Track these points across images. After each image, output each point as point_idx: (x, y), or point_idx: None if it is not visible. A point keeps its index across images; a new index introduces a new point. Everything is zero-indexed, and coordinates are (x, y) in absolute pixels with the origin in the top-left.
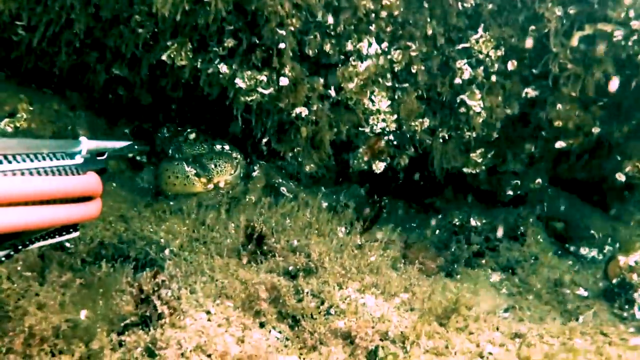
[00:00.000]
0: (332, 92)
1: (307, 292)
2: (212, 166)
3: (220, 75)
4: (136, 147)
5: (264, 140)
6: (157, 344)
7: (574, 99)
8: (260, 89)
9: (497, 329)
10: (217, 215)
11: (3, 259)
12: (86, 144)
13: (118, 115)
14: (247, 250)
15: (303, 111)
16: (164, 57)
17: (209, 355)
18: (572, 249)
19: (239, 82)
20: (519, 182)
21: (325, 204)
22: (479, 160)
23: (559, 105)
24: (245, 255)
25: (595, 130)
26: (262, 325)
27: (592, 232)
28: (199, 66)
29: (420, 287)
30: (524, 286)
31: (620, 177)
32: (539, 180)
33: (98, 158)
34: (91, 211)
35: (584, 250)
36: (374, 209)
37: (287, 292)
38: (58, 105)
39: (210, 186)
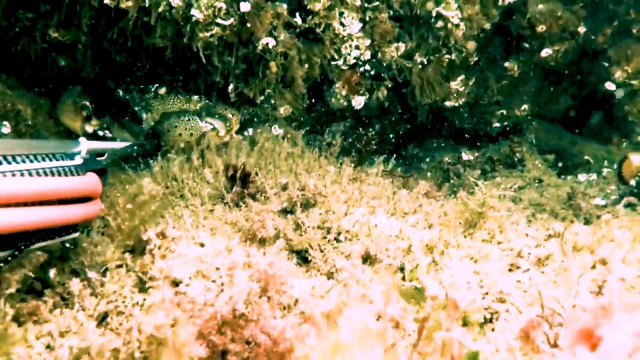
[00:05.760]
0: (298, 20)
1: (309, 225)
2: (230, 115)
3: (173, 10)
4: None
5: (230, 86)
6: (148, 275)
7: None
8: (220, 20)
9: (527, 235)
10: (190, 166)
11: (9, 258)
12: (85, 145)
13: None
14: (231, 192)
15: (270, 41)
16: (106, 0)
17: (214, 281)
18: (568, 178)
19: (196, 14)
20: (504, 112)
21: (307, 145)
22: (461, 89)
23: (540, 6)
24: (231, 197)
25: (582, 30)
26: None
27: (587, 157)
28: (147, 5)
29: (432, 205)
30: (535, 206)
31: (610, 86)
32: (525, 106)
33: (97, 158)
34: (91, 211)
35: (582, 177)
36: (362, 141)
37: (286, 228)
38: None
39: (227, 138)
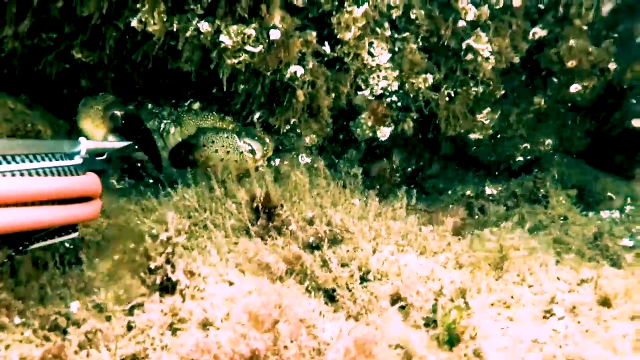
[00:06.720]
0: (327, 49)
1: (336, 262)
2: (267, 140)
3: (202, 36)
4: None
5: (256, 115)
6: (179, 317)
7: (584, 33)
8: (249, 47)
9: (558, 278)
10: (212, 196)
11: (6, 259)
12: (85, 145)
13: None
14: (256, 225)
15: (298, 70)
16: (134, 23)
17: (243, 325)
18: (590, 215)
19: (225, 40)
20: (528, 145)
21: (331, 175)
22: (487, 122)
23: (571, 42)
24: (256, 231)
25: (612, 66)
26: None
27: (610, 194)
28: (175, 29)
29: (461, 244)
30: (561, 246)
31: (637, 123)
32: (549, 141)
33: (98, 159)
34: (90, 212)
35: (605, 214)
36: (386, 173)
37: (313, 264)
38: (14, 104)
39: (261, 163)
